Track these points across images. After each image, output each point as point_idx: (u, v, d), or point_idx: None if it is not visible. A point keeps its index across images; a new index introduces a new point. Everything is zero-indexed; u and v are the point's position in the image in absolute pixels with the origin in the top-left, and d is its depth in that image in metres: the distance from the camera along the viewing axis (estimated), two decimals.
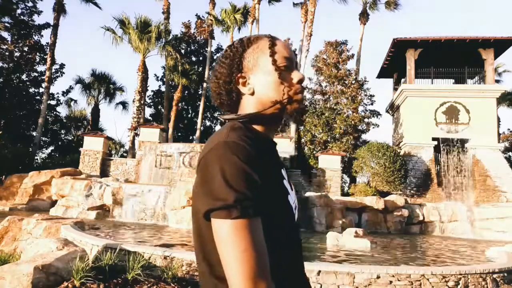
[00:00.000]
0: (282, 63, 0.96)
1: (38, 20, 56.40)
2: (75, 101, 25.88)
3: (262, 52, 0.97)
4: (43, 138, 22.76)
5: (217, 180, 0.76)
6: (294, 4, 25.44)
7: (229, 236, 0.75)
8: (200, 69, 26.95)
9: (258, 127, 0.97)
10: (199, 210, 0.81)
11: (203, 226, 0.83)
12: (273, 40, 0.98)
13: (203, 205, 0.79)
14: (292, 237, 0.94)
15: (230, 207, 0.75)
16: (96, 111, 23.96)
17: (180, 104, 24.23)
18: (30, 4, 21.86)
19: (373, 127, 22.18)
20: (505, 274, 5.32)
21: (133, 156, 17.64)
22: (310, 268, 4.61)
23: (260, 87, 0.96)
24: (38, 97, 22.90)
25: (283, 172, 0.97)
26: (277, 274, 0.82)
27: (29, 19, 22.34)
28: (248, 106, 0.98)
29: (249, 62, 0.97)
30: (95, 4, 21.76)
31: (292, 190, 0.99)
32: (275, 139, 1.05)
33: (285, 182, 0.95)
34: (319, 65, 23.61)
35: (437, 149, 18.25)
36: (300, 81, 0.98)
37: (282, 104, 0.95)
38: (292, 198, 0.97)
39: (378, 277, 4.58)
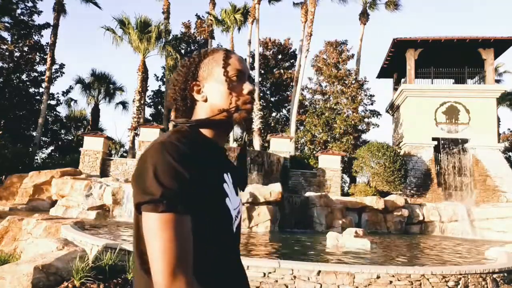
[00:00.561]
0: (233, 74, 1.02)
1: (38, 20, 56.41)
2: (75, 101, 25.87)
3: (217, 63, 1.04)
4: (43, 138, 22.76)
5: (149, 176, 0.80)
6: (294, 4, 25.45)
7: (155, 229, 0.79)
8: None
9: (207, 132, 1.03)
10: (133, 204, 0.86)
11: (137, 219, 0.87)
12: (227, 53, 1.06)
13: (134, 199, 0.84)
14: (225, 240, 0.96)
15: (157, 201, 0.79)
16: (96, 111, 23.96)
17: None
18: (30, 4, 21.88)
19: (373, 127, 22.20)
20: (505, 274, 5.32)
21: (133, 156, 17.64)
22: (310, 268, 4.61)
23: (211, 95, 1.03)
24: (38, 97, 22.90)
25: (226, 176, 1.01)
26: (203, 273, 0.87)
27: (29, 19, 22.35)
28: (200, 112, 1.04)
29: (204, 71, 1.04)
30: (95, 4, 21.75)
31: (237, 195, 1.04)
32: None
33: (226, 186, 0.98)
34: (319, 65, 23.62)
35: (437, 149, 18.25)
36: (250, 92, 1.03)
37: (229, 112, 1.02)
38: (233, 203, 1.00)
39: (378, 277, 4.58)
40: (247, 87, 1.03)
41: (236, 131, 1.08)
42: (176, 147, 0.85)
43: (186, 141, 0.90)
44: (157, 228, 0.79)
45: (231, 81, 1.02)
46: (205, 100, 1.03)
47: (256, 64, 23.11)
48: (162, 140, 0.87)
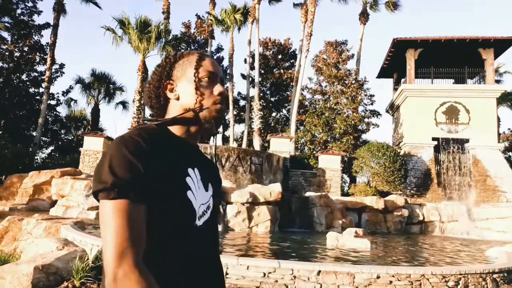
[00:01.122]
0: (204, 75, 1.07)
1: (38, 20, 56.42)
2: (75, 101, 25.86)
3: (190, 64, 1.09)
4: (43, 138, 22.75)
5: (105, 166, 0.86)
6: (294, 4, 25.45)
7: (106, 215, 0.84)
8: None
9: (176, 130, 1.07)
10: None
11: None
12: (202, 56, 1.11)
13: (92, 187, 0.89)
14: (186, 234, 0.97)
15: (109, 189, 0.84)
16: (96, 111, 23.95)
17: None
18: (30, 4, 21.87)
19: (373, 127, 22.19)
20: (505, 274, 5.32)
21: None
22: (310, 268, 4.61)
23: (183, 94, 1.07)
24: (38, 97, 22.89)
25: (192, 171, 1.02)
26: (159, 265, 0.90)
27: (29, 19, 22.34)
28: (173, 110, 1.08)
29: (178, 71, 1.09)
30: (95, 4, 21.75)
31: (206, 190, 1.06)
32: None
33: (190, 180, 1.00)
34: (319, 65, 23.62)
35: (437, 149, 18.25)
36: (220, 94, 1.06)
37: (194, 112, 1.05)
38: (201, 198, 1.02)
39: (378, 277, 4.58)
40: (217, 88, 1.07)
41: (205, 132, 1.09)
42: (133, 141, 0.90)
43: (148, 137, 0.94)
44: (108, 215, 0.84)
45: (200, 81, 1.06)
46: (177, 99, 1.08)
47: (256, 64, 23.11)
48: (123, 135, 0.93)
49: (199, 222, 1.00)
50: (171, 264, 0.93)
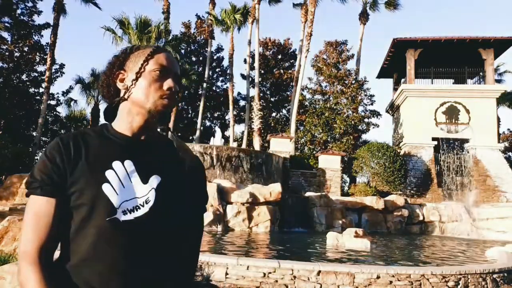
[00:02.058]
0: (156, 68, 1.05)
1: (38, 20, 56.38)
2: (75, 101, 25.82)
3: (144, 56, 1.08)
4: (43, 138, 22.73)
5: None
6: (294, 5, 25.43)
7: (25, 211, 0.97)
8: (200, 69, 26.96)
9: (119, 124, 1.07)
10: None
11: None
12: (156, 49, 1.09)
13: None
14: (97, 228, 0.93)
15: (27, 187, 0.96)
16: (96, 111, 23.93)
17: (180, 104, 24.24)
18: (30, 4, 21.85)
19: (373, 127, 22.19)
20: (505, 274, 5.32)
21: None
22: (310, 268, 4.61)
23: (132, 86, 1.07)
24: (38, 97, 22.88)
25: (120, 164, 0.99)
26: (70, 259, 0.94)
27: (29, 19, 22.32)
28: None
29: (131, 62, 1.08)
30: (95, 4, 21.74)
31: (145, 183, 1.00)
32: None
33: (110, 173, 0.97)
34: (319, 65, 23.62)
35: (437, 149, 18.25)
36: (169, 88, 1.04)
37: (143, 104, 1.04)
38: (126, 191, 0.97)
39: (378, 277, 4.58)
40: (168, 83, 1.05)
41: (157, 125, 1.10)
42: (53, 144, 0.99)
43: (67, 139, 0.99)
44: (25, 211, 0.96)
45: (149, 74, 1.05)
46: (126, 89, 1.07)
47: (256, 64, 23.11)
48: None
49: (125, 217, 0.95)
50: (78, 259, 0.93)
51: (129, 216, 0.96)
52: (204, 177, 1.19)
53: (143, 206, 0.98)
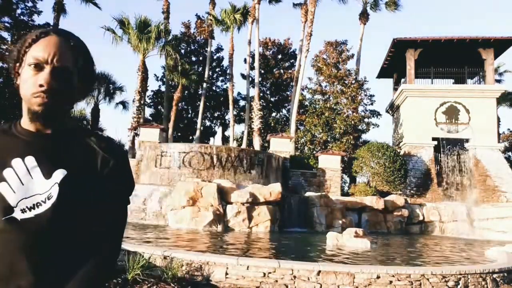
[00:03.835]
0: (29, 62, 0.96)
1: (38, 20, 56.28)
2: None
3: (24, 46, 0.99)
4: None
5: None
6: (294, 4, 25.44)
7: None
8: (200, 69, 26.94)
9: (24, 120, 1.02)
10: None
11: None
12: (39, 35, 0.98)
13: None
14: None
15: None
16: (96, 111, 23.92)
17: (180, 104, 24.22)
18: (30, 4, 21.83)
19: (373, 127, 22.19)
20: (505, 274, 5.31)
21: (133, 156, 17.62)
22: (310, 268, 4.61)
23: (16, 81, 1.02)
24: None
25: (20, 161, 0.95)
26: None
27: (29, 19, 22.28)
28: None
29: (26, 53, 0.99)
30: (95, 4, 21.74)
31: (48, 178, 0.95)
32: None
33: (8, 171, 0.94)
34: (319, 65, 23.60)
35: (437, 149, 18.25)
36: (40, 85, 0.94)
37: (25, 101, 0.98)
38: (25, 188, 0.93)
39: (378, 277, 4.58)
40: (39, 79, 0.95)
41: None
42: None
43: None
44: None
45: (26, 68, 0.97)
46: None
47: (256, 64, 23.11)
48: None
49: (24, 215, 0.91)
50: None
51: (29, 214, 0.91)
52: (124, 166, 1.06)
53: (44, 202, 0.93)
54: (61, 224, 0.94)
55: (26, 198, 0.93)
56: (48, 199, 0.93)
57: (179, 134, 26.98)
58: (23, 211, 0.92)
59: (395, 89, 22.50)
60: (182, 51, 25.44)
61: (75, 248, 0.95)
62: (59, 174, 0.95)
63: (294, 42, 29.14)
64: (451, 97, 18.54)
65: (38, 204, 0.93)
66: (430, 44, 18.71)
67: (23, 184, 0.93)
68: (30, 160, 0.96)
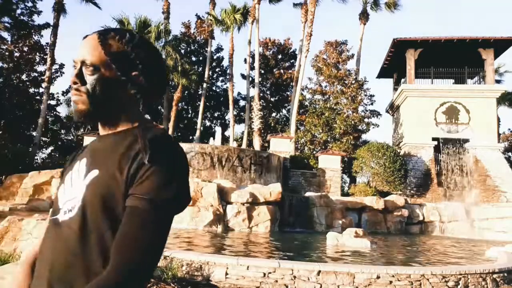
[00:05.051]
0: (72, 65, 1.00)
1: (38, 20, 56.33)
2: None
3: None
4: (43, 138, 22.73)
5: None
6: (294, 4, 25.45)
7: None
8: (200, 69, 26.93)
9: None
10: None
11: None
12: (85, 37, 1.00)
13: None
14: (48, 225, 0.97)
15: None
16: None
17: (180, 104, 24.22)
18: (30, 4, 21.84)
19: (373, 127, 22.19)
20: (505, 274, 5.31)
21: None
22: (310, 268, 4.61)
23: None
24: (38, 97, 22.87)
25: (77, 163, 0.98)
26: None
27: (29, 19, 22.30)
28: None
29: None
30: (95, 4, 21.74)
31: (83, 179, 0.93)
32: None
33: (67, 175, 0.99)
34: (319, 65, 23.61)
35: (437, 149, 18.25)
36: (71, 84, 0.96)
37: None
38: (70, 191, 0.94)
39: (378, 277, 4.58)
40: (70, 78, 0.96)
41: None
42: None
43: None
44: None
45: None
46: None
47: (256, 64, 23.11)
48: None
49: (64, 217, 0.92)
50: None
51: (67, 216, 0.92)
52: (150, 167, 0.87)
53: (76, 205, 0.91)
54: (85, 230, 0.88)
55: (69, 200, 0.94)
56: (79, 202, 0.91)
57: (179, 134, 26.99)
58: (65, 212, 0.93)
59: (395, 89, 22.50)
60: (182, 51, 25.42)
61: (101, 258, 0.87)
62: (90, 176, 0.92)
63: (294, 42, 29.16)
64: (451, 97, 18.54)
65: (73, 207, 0.92)
66: (430, 44, 18.71)
67: (71, 186, 0.95)
68: (83, 162, 0.97)
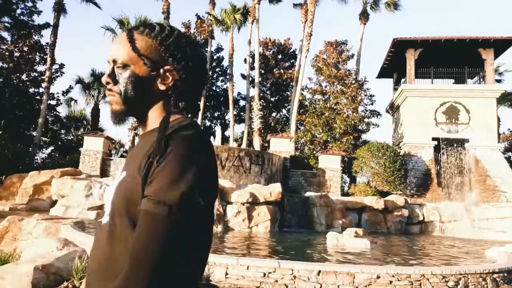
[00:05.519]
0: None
1: (38, 20, 56.34)
2: (75, 101, 25.83)
3: None
4: (43, 138, 22.73)
5: None
6: (294, 5, 25.44)
7: None
8: None
9: None
10: None
11: None
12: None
13: None
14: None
15: None
16: (96, 111, 23.95)
17: (179, 104, 24.20)
18: (30, 4, 21.85)
19: (373, 127, 22.19)
20: (505, 274, 5.31)
21: None
22: (310, 268, 4.61)
23: None
24: (38, 97, 22.87)
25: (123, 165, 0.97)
26: None
27: (29, 19, 22.31)
28: None
29: None
30: (95, 4, 21.75)
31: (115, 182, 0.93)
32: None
33: (117, 174, 0.95)
34: (319, 65, 23.60)
35: (437, 149, 18.25)
36: (105, 82, 0.95)
37: None
38: (111, 193, 0.92)
39: (378, 277, 4.58)
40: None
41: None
42: None
43: None
44: None
45: None
46: None
47: (256, 64, 23.10)
48: None
49: (104, 220, 0.92)
50: None
51: (105, 219, 0.92)
52: (162, 165, 0.80)
53: (109, 207, 0.91)
54: (113, 234, 0.86)
55: (108, 204, 0.93)
56: (110, 205, 0.91)
57: None
58: (105, 215, 0.92)
59: (395, 89, 22.51)
60: None
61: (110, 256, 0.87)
62: (119, 178, 0.90)
63: (294, 42, 29.16)
64: (451, 97, 18.54)
65: (108, 211, 0.92)
66: (430, 44, 18.71)
67: (111, 189, 0.95)
68: (123, 164, 0.97)
